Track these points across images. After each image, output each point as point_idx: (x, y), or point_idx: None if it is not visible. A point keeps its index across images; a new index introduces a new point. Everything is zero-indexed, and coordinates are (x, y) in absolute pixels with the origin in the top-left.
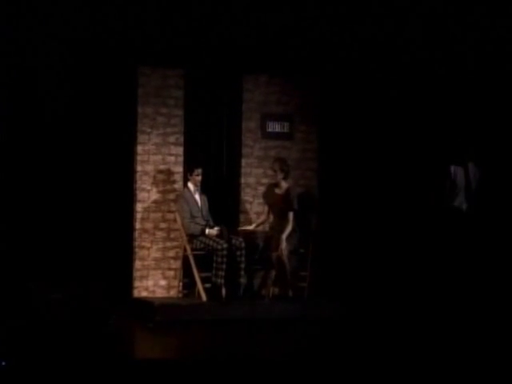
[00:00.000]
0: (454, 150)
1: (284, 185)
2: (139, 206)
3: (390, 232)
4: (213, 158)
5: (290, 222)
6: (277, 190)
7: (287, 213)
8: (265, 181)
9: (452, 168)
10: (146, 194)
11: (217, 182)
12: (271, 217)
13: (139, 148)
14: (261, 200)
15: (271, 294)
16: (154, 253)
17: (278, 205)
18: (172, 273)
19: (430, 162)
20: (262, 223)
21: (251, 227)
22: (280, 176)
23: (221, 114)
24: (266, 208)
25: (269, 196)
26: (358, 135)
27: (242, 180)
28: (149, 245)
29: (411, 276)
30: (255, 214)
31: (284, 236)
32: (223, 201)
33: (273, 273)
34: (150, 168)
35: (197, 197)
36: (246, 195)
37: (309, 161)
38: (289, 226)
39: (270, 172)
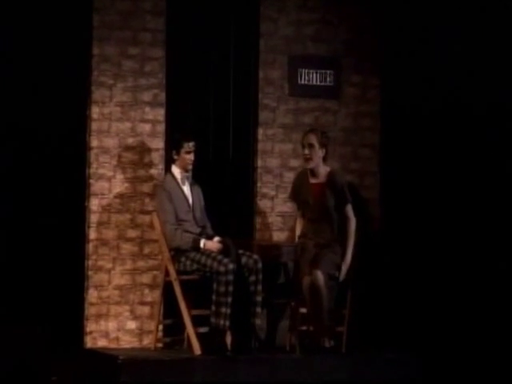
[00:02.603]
0: None
1: (323, 169)
2: (95, 204)
3: (488, 250)
4: (212, 126)
5: (352, 218)
6: (312, 180)
7: (330, 213)
8: (294, 164)
9: None
10: (106, 185)
11: (218, 164)
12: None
13: (95, 111)
14: (288, 193)
15: (302, 343)
16: (119, 278)
17: (315, 201)
18: (147, 309)
19: None
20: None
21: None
22: (320, 154)
23: (225, 57)
24: (299, 212)
25: (300, 191)
26: (443, 88)
27: (259, 162)
28: (110, 265)
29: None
30: (279, 216)
31: (349, 252)
32: (228, 195)
33: (304, 310)
34: (111, 143)
35: (186, 189)
36: (265, 186)
37: (365, 132)
38: (351, 233)
39: (299, 150)
